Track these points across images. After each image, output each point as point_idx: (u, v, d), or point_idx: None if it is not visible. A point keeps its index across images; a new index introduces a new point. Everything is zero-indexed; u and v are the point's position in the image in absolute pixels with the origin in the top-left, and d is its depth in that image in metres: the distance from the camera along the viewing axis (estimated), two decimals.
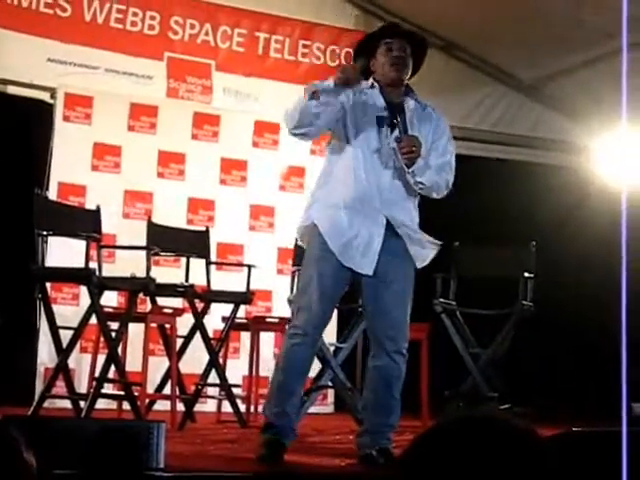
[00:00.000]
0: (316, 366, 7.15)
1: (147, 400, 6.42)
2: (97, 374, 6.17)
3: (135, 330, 6.51)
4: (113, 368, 6.18)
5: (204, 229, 7.28)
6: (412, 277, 4.63)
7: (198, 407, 6.81)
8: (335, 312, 8.12)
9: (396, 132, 4.47)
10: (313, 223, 4.58)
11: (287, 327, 4.81)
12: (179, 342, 6.69)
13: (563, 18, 7.71)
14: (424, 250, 4.61)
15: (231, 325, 6.89)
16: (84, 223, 6.40)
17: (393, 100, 4.57)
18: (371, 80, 4.61)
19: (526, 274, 6.69)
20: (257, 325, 7.17)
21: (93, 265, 6.13)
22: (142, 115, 7.89)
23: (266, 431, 4.56)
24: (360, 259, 4.49)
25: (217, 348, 6.83)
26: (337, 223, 4.51)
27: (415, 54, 4.64)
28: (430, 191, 4.59)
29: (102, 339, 6.23)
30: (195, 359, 7.11)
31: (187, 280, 6.78)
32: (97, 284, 6.01)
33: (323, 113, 4.41)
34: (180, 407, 6.52)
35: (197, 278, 6.90)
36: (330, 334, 7.70)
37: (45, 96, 7.66)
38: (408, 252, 4.55)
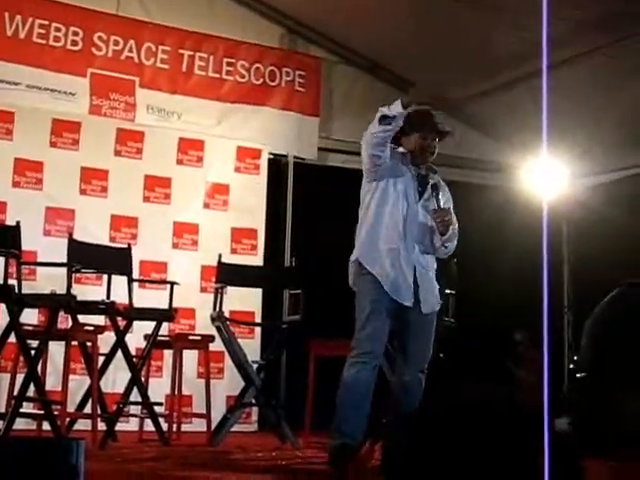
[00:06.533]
0: (240, 384, 7.14)
1: (67, 419, 6.33)
2: (16, 393, 6.06)
3: (56, 348, 6.42)
4: (33, 387, 6.08)
5: (126, 246, 7.21)
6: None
7: (120, 426, 6.72)
8: (258, 330, 8.16)
9: (432, 204, 5.24)
10: (358, 261, 5.23)
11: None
12: (100, 360, 6.61)
13: (483, 40, 7.82)
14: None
15: (153, 343, 6.83)
16: (3, 239, 6.28)
17: (420, 171, 5.32)
18: (404, 150, 5.31)
19: (448, 291, 6.75)
20: (180, 343, 7.13)
21: (12, 282, 6.04)
22: (64, 131, 7.81)
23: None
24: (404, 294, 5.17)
25: (139, 366, 6.76)
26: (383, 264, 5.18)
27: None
28: (444, 254, 5.37)
29: (21, 357, 6.13)
30: (117, 377, 7.04)
31: (109, 297, 6.68)
32: (16, 301, 5.92)
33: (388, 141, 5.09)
34: (101, 426, 6.43)
35: (119, 295, 6.82)
36: (253, 352, 7.70)
37: None
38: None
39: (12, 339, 6.05)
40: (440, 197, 5.26)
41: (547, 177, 8.81)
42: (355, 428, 5.01)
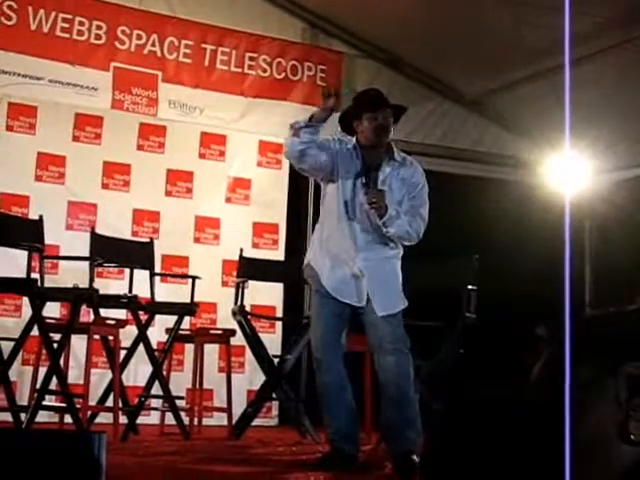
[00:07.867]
0: (261, 378, 7.15)
1: (89, 412, 6.36)
2: (39, 386, 6.09)
3: (78, 342, 6.45)
4: (55, 380, 6.10)
5: (148, 240, 7.24)
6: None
7: (141, 419, 6.76)
8: (279, 324, 8.17)
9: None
10: (309, 264, 5.25)
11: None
12: (122, 354, 6.64)
13: (505, 34, 7.79)
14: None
15: (175, 337, 6.84)
16: (26, 233, 6.31)
17: (371, 160, 5.10)
18: (354, 141, 5.15)
19: (469, 286, 6.73)
20: (201, 337, 7.15)
21: (35, 276, 6.07)
22: (87, 125, 7.83)
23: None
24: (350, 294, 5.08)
25: (160, 360, 6.78)
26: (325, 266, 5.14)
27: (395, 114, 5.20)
28: (401, 239, 5.15)
29: (44, 351, 6.16)
30: (138, 371, 7.07)
31: (131, 291, 6.73)
32: (39, 295, 5.95)
33: (309, 149, 4.91)
34: (123, 419, 6.47)
35: (141, 290, 6.85)
36: (275, 346, 7.71)
37: None
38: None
39: (35, 332, 6.08)
40: (380, 178, 5.04)
41: (570, 172, 8.76)
42: (338, 423, 5.07)
